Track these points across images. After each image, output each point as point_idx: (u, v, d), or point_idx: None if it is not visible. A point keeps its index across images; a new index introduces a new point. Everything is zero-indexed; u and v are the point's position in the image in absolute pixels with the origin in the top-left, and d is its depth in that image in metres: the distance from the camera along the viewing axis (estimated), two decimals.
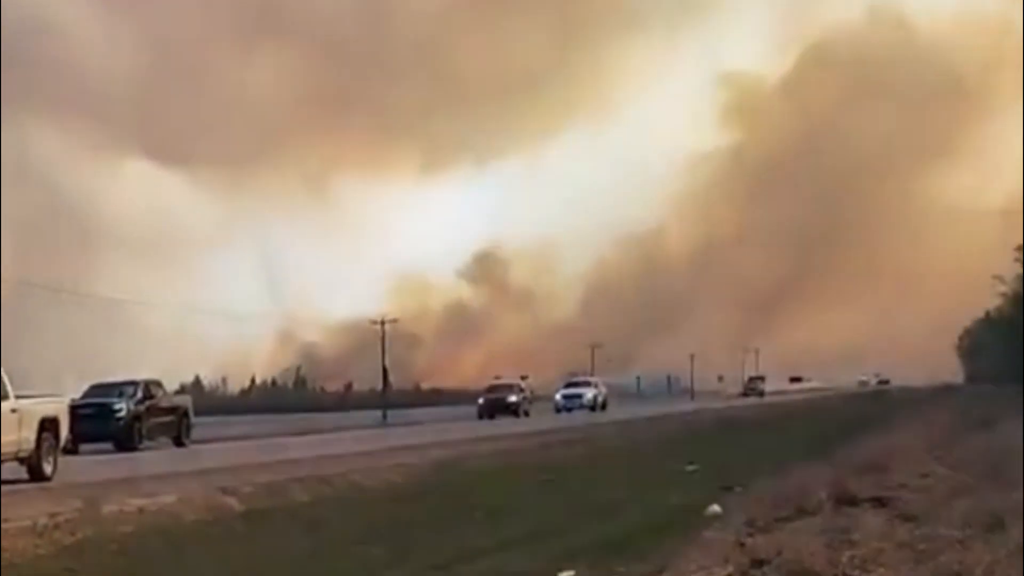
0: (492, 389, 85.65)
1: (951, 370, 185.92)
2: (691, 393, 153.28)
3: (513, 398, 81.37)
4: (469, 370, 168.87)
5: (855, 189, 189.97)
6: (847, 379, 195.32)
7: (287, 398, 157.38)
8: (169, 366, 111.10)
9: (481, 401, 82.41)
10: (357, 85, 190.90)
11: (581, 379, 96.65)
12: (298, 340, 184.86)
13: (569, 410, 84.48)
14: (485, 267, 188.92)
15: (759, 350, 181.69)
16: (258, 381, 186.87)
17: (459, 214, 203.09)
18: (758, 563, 15.74)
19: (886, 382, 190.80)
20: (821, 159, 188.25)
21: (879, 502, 20.36)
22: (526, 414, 79.06)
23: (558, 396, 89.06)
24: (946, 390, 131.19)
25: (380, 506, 22.67)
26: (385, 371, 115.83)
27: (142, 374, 50.27)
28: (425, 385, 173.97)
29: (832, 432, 48.90)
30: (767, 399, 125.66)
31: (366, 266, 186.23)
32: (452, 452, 36.57)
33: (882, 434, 43.55)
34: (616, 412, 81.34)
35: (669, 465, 33.79)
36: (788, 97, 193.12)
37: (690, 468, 34.02)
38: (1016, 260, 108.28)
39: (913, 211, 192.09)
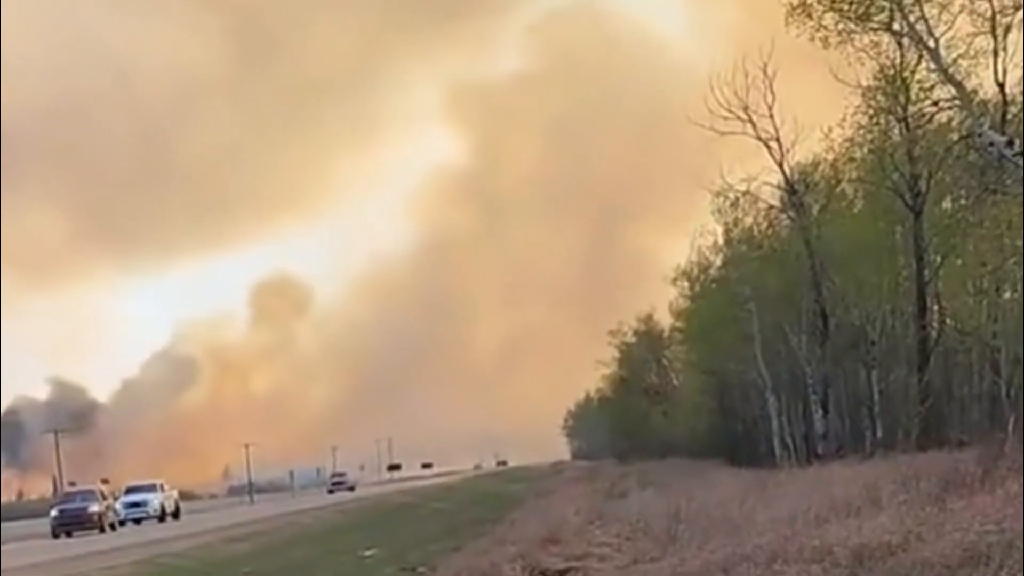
0: (68, 497, 65.81)
1: (560, 449, 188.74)
2: (356, 482, 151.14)
3: (95, 508, 61.01)
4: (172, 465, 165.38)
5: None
6: (470, 463, 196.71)
7: None
8: None
9: (55, 513, 61.54)
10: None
11: (145, 483, 73.72)
12: None
13: (137, 521, 66.34)
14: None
15: (391, 439, 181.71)
16: None
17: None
18: None
19: (504, 463, 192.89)
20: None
21: (573, 572, 20.02)
22: (111, 527, 60.95)
23: (118, 505, 66.30)
24: (556, 469, 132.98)
25: None
26: (55, 480, 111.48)
27: None
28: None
29: (478, 512, 48.62)
30: (390, 489, 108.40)
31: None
32: None
33: (529, 510, 43.39)
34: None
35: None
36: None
37: (368, 553, 33.12)
38: (610, 344, 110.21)
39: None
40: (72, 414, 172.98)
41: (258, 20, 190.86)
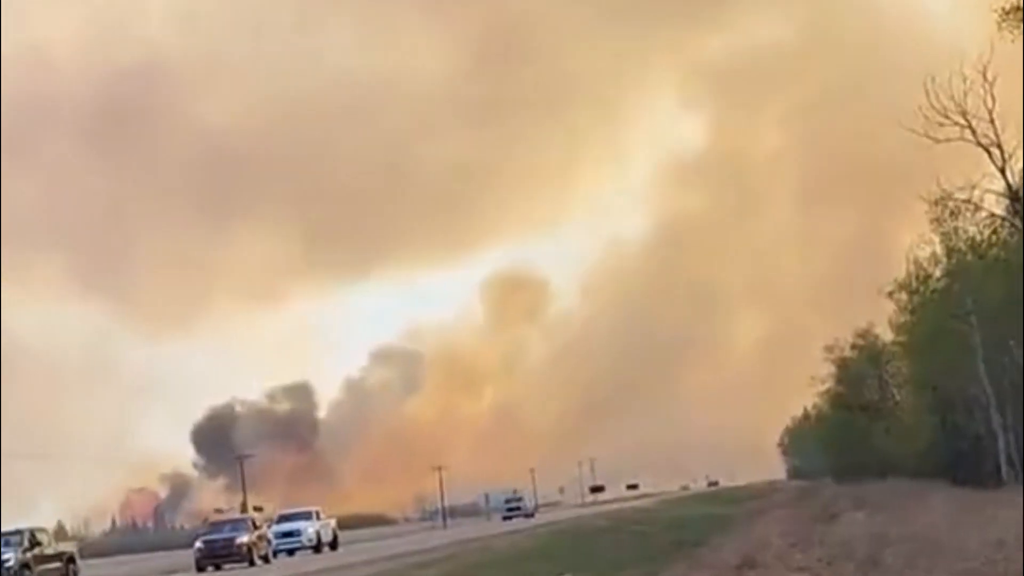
0: (214, 527, 62.16)
1: (776, 468, 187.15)
2: (535, 507, 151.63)
3: (243, 538, 57.55)
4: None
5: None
6: (678, 483, 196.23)
7: (148, 537, 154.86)
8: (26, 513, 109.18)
9: (199, 545, 58.30)
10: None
11: (299, 511, 72.00)
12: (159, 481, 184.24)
13: (290, 552, 64.69)
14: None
15: (594, 460, 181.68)
16: (119, 523, 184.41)
17: None
18: None
19: (715, 483, 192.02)
20: None
21: None
22: (264, 559, 58.15)
23: (269, 534, 62.62)
24: (770, 489, 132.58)
25: None
26: (243, 507, 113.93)
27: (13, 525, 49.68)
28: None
29: (681, 535, 48.90)
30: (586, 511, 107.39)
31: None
32: None
33: (733, 533, 43.74)
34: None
35: None
36: None
37: None
38: (826, 359, 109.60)
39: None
40: (293, 430, 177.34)
41: (493, 23, 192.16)
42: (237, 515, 66.14)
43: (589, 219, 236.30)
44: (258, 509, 67.19)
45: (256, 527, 59.95)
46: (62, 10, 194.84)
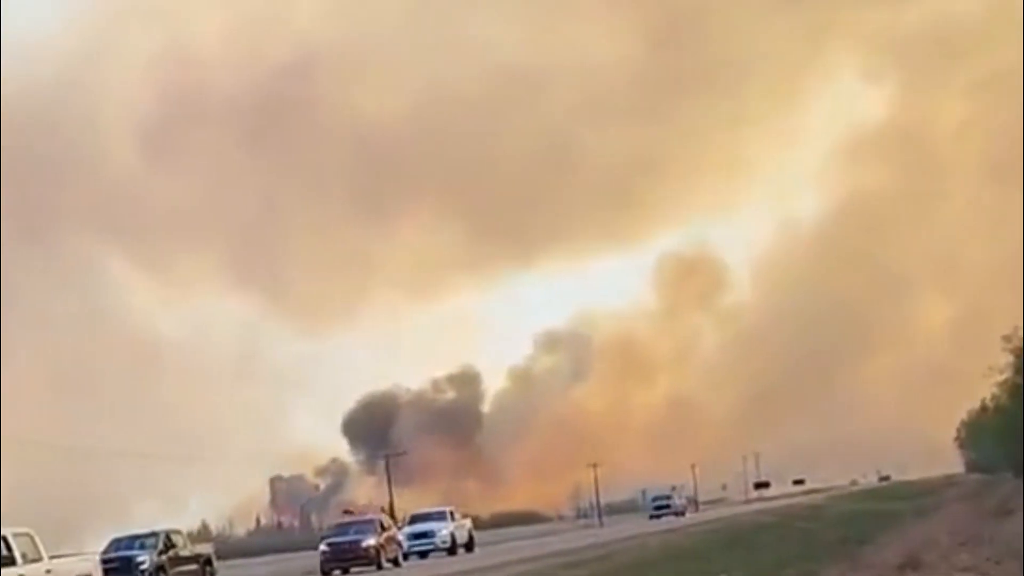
0: (340, 529, 59.83)
1: (952, 462, 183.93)
2: (695, 504, 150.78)
3: (370, 541, 56.17)
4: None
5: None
6: (847, 478, 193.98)
7: (293, 537, 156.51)
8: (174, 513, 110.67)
9: (324, 548, 56.90)
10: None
11: (433, 511, 71.30)
12: (305, 479, 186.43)
13: (423, 555, 64.14)
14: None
15: (759, 455, 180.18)
16: (263, 522, 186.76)
17: None
18: None
19: (887, 478, 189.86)
20: None
21: None
22: (394, 563, 56.76)
23: (400, 536, 61.38)
24: (946, 483, 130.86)
25: None
26: (391, 506, 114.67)
27: (160, 525, 50.63)
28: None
29: (846, 532, 48.23)
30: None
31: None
32: None
33: (902, 530, 43.05)
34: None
35: None
36: None
37: None
38: (1004, 349, 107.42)
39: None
40: (456, 421, 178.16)
41: (665, 5, 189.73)
42: (368, 516, 64.09)
43: (765, 201, 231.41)
44: (383, 511, 65.72)
45: (384, 528, 58.83)
46: (211, 4, 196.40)
